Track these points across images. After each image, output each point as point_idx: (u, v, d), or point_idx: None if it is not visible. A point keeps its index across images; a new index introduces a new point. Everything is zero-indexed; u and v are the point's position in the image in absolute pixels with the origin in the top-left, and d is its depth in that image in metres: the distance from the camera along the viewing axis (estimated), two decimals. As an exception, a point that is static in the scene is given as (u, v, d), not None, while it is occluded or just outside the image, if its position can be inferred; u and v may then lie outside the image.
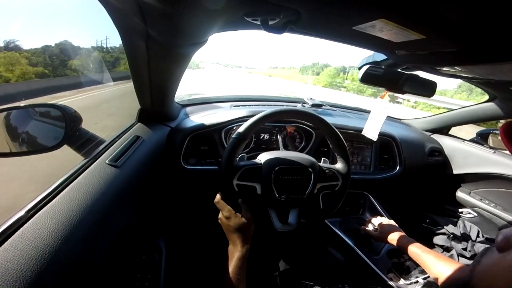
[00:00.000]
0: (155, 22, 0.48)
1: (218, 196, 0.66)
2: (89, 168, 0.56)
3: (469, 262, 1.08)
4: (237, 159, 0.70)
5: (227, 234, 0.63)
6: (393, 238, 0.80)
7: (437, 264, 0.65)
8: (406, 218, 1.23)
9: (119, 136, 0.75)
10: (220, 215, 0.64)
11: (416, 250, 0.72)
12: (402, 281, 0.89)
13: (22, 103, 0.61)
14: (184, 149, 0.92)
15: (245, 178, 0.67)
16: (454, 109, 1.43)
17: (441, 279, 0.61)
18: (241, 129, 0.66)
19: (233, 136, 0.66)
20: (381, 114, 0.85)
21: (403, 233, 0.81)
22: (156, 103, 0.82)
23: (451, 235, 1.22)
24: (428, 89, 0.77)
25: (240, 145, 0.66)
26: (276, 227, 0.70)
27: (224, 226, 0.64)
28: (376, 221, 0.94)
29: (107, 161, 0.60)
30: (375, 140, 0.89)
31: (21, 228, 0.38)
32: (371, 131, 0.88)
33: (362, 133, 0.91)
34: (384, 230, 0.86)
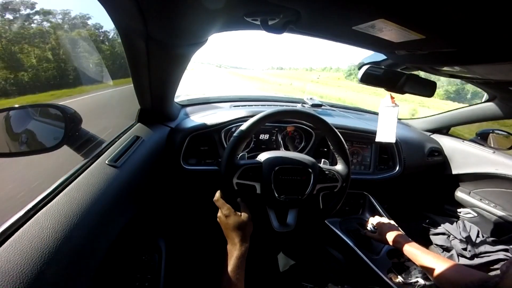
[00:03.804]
0: (155, 22, 0.48)
1: (217, 194, 0.65)
2: (89, 168, 0.56)
3: (469, 262, 1.08)
4: (238, 158, 0.70)
5: (226, 233, 0.63)
6: (392, 238, 0.80)
7: (435, 264, 0.65)
8: (406, 218, 1.23)
9: (119, 136, 0.75)
10: (219, 213, 0.64)
11: (414, 251, 0.72)
12: (402, 281, 0.89)
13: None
14: (184, 149, 0.92)
15: (245, 177, 0.67)
16: (454, 109, 1.43)
17: (441, 280, 0.61)
18: (242, 128, 0.66)
19: (234, 134, 0.66)
20: (391, 113, 0.83)
21: (402, 233, 0.81)
22: (156, 103, 0.82)
23: (451, 235, 1.22)
24: (428, 89, 0.77)
25: (240, 144, 0.66)
26: (274, 228, 0.70)
27: (223, 224, 0.63)
28: (374, 220, 0.94)
29: (107, 161, 0.60)
30: (393, 142, 0.86)
31: (21, 228, 0.38)
32: (386, 135, 0.85)
33: (376, 141, 0.88)
34: (383, 230, 0.85)
